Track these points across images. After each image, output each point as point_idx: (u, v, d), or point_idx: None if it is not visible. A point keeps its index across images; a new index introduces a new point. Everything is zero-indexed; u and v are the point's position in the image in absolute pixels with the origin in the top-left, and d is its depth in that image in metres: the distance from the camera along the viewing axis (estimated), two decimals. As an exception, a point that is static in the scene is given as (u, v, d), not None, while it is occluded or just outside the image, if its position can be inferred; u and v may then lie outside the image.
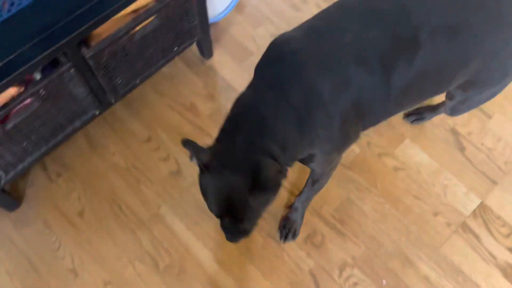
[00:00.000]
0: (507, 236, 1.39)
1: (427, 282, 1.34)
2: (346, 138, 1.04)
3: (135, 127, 1.58)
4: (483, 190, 1.46)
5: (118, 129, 1.58)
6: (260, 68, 0.98)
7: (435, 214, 1.43)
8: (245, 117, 0.91)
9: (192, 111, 1.60)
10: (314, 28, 0.96)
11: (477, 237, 1.40)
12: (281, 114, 0.90)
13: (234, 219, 0.91)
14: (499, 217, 1.42)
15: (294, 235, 1.37)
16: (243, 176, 0.85)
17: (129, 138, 1.56)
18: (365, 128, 1.07)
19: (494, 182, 1.47)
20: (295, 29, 0.98)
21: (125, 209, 1.45)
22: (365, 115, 1.00)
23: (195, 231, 1.42)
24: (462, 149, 1.52)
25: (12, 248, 1.39)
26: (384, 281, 1.34)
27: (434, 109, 1.51)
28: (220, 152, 0.89)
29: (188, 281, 1.34)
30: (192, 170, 1.50)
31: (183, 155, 1.53)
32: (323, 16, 0.99)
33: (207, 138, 1.54)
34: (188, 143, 0.86)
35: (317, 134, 0.95)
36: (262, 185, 0.84)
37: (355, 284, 1.34)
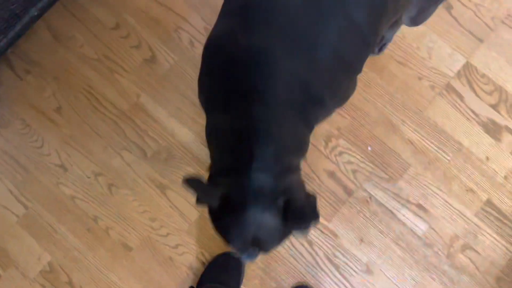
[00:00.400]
0: (490, 93, 1.39)
1: (411, 144, 1.37)
2: (344, 94, 0.96)
3: (100, 14, 1.46)
4: (468, 49, 1.42)
5: (82, 17, 1.46)
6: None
7: (420, 78, 1.41)
8: (241, 143, 0.77)
9: (160, -10, 1.47)
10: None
11: (460, 97, 1.40)
12: (277, 122, 0.77)
13: (261, 249, 0.80)
14: (483, 76, 1.40)
15: None
16: (273, 211, 0.75)
17: (95, 26, 1.45)
18: None
19: (480, 40, 1.42)
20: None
21: (103, 101, 1.40)
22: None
23: (178, 117, 1.40)
24: (449, 8, 1.44)
25: (-5, 150, 1.37)
26: (369, 148, 1.37)
27: (392, 27, 1.33)
28: (234, 190, 0.76)
29: (177, 166, 1.36)
30: (167, 56, 1.43)
31: (156, 40, 1.44)
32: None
33: (181, 21, 1.44)
34: (191, 184, 0.72)
35: (317, 116, 0.86)
36: (298, 216, 0.74)
37: (341, 153, 1.37)
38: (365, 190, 1.35)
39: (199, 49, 1.44)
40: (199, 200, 0.77)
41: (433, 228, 1.33)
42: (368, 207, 1.34)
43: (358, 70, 0.91)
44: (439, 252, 1.32)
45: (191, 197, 1.34)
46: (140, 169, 1.37)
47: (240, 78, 0.78)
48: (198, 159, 1.37)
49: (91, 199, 1.35)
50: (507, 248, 1.32)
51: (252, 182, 0.75)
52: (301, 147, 0.84)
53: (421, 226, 1.33)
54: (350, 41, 0.81)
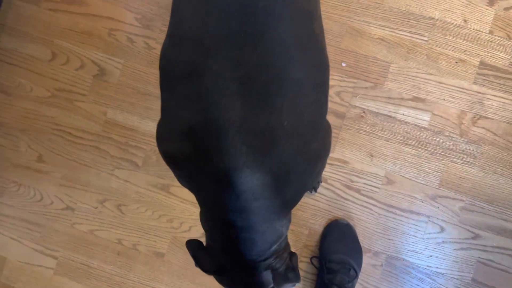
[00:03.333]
0: (444, -48, 1.27)
1: (383, 41, 1.29)
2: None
3: (33, 50, 1.41)
4: None
5: (18, 62, 1.41)
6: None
7: (366, -30, 1.30)
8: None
9: (76, 2, 1.39)
10: None
11: (414, -29, 1.28)
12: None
13: None
14: None
15: None
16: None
17: (34, 65, 1.41)
18: None
19: None
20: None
21: (76, 133, 1.39)
22: None
23: (150, 116, 1.36)
24: None
25: (5, 220, 1.40)
26: (343, 64, 1.30)
27: None
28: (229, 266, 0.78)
29: (171, 161, 1.35)
30: (113, 62, 1.37)
31: (96, 52, 1.38)
32: None
33: (111, 23, 1.38)
34: (191, 247, 0.80)
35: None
36: (282, 283, 0.77)
37: (319, 80, 1.31)
38: (356, 107, 1.30)
39: (139, 42, 1.38)
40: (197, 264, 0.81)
41: (436, 114, 1.27)
42: (366, 122, 1.29)
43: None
44: (452, 135, 1.27)
45: (196, 184, 1.34)
46: (139, 180, 1.36)
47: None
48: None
49: (108, 226, 1.37)
50: (518, 102, 1.25)
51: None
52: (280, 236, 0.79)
53: (424, 118, 1.28)
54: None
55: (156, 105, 1.36)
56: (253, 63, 0.68)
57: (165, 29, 1.38)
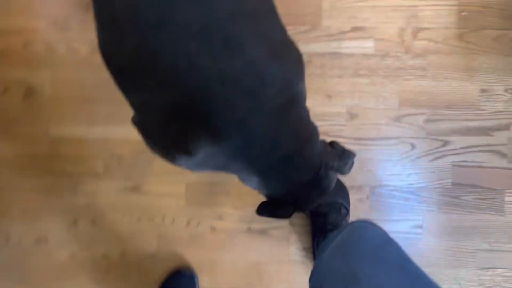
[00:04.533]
0: None
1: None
2: None
3: None
4: None
5: None
6: None
7: None
8: None
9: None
10: None
11: None
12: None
13: None
14: None
15: None
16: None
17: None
18: None
19: None
20: None
21: (23, 162, 1.29)
22: None
23: (95, 121, 1.28)
24: None
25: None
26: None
27: None
28: None
29: (130, 160, 1.29)
30: (39, 77, 1.27)
31: (17, 70, 1.27)
32: None
33: (24, 34, 1.26)
34: (264, 212, 0.86)
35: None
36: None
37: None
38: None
39: (61, 49, 1.28)
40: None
41: (378, 39, 1.28)
42: (314, 65, 1.28)
43: None
44: (398, 54, 1.28)
45: (165, 175, 1.28)
46: (106, 189, 1.29)
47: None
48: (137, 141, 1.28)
49: (87, 245, 1.29)
50: (449, 5, 1.28)
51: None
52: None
53: (368, 45, 1.28)
54: None
55: (100, 107, 1.28)
56: (202, 16, 0.62)
57: (86, 26, 1.29)
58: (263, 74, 0.64)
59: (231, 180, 1.26)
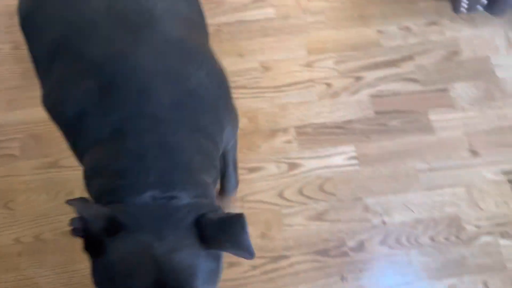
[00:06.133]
0: None
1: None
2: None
3: None
4: None
5: None
6: None
7: None
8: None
9: None
10: None
11: None
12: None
13: None
14: None
15: None
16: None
17: None
18: None
19: None
20: None
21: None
22: None
23: (16, 106, 1.28)
24: None
25: None
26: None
27: None
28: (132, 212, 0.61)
29: (48, 139, 1.24)
30: None
31: None
32: None
33: None
34: (75, 204, 0.57)
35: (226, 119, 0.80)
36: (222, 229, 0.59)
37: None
38: (210, 25, 1.39)
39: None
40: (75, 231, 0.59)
41: (276, 5, 1.44)
42: (224, 32, 1.39)
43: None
44: (298, 15, 1.42)
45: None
46: (21, 169, 1.22)
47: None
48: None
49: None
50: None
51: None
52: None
53: (269, 11, 1.43)
54: None
55: (17, 94, 1.30)
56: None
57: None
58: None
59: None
